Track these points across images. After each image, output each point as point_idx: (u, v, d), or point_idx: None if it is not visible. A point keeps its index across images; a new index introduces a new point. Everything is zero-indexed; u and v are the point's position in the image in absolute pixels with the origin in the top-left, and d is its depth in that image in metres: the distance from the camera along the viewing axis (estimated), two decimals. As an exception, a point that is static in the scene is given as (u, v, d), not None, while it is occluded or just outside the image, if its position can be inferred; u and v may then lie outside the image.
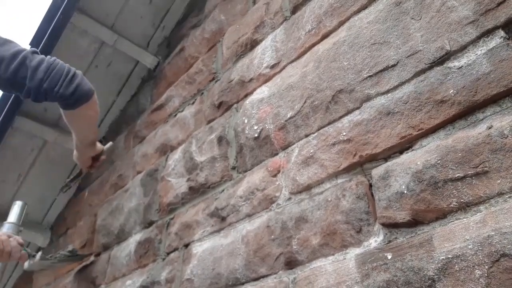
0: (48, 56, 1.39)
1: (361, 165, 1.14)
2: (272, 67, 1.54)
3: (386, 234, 1.03)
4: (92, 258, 2.35)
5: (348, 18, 1.30)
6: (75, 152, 1.73)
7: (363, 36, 1.21)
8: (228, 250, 1.45)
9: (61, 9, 2.05)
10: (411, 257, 0.94)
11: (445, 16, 1.02)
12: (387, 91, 1.11)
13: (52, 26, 2.07)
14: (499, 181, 0.85)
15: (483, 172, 0.87)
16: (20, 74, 1.32)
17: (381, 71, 1.13)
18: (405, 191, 1.00)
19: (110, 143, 1.92)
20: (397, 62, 1.10)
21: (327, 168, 1.21)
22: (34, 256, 1.93)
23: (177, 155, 1.93)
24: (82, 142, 1.65)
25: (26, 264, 1.95)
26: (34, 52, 1.39)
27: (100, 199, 2.51)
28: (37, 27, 2.13)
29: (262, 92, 1.55)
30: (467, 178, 0.89)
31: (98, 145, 1.78)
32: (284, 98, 1.43)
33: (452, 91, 0.97)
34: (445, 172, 0.93)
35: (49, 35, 2.08)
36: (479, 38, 0.95)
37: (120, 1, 2.26)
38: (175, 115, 2.08)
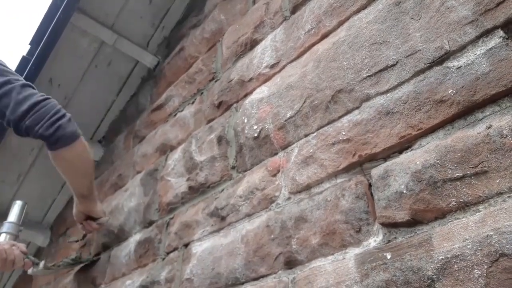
0: (42, 94, 1.35)
1: (361, 164, 1.15)
2: (272, 66, 1.54)
3: (386, 234, 1.03)
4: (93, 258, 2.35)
5: (347, 18, 1.30)
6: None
7: (363, 36, 1.21)
8: (228, 250, 1.45)
9: (61, 9, 2.05)
10: (410, 257, 0.94)
11: (445, 16, 1.02)
12: (387, 91, 1.11)
13: (52, 26, 2.07)
14: (498, 181, 0.85)
15: (482, 172, 0.87)
16: (3, 103, 1.29)
17: (380, 71, 1.14)
18: (405, 191, 1.00)
19: (107, 219, 1.90)
20: (397, 62, 1.10)
21: (326, 167, 1.21)
22: (37, 264, 1.93)
23: (176, 154, 1.93)
24: (74, 191, 1.59)
25: (29, 271, 1.95)
26: (26, 86, 1.35)
27: (100, 199, 2.51)
28: (37, 27, 2.14)
29: (262, 91, 1.55)
30: (466, 178, 0.89)
31: (99, 209, 1.71)
32: (283, 98, 1.43)
33: (451, 91, 0.97)
34: (444, 172, 0.93)
35: (49, 35, 2.08)
36: (478, 38, 0.95)
37: (120, 1, 2.26)
38: (175, 115, 2.08)
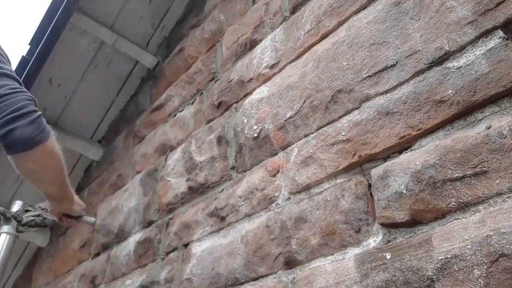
0: (12, 87, 1.12)
1: (360, 165, 1.15)
2: (272, 67, 1.54)
3: (385, 234, 1.03)
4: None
5: (347, 18, 1.30)
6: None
7: (362, 36, 1.21)
8: (228, 250, 1.45)
9: (61, 9, 2.05)
10: (410, 257, 0.94)
11: (444, 16, 1.02)
12: (386, 91, 1.11)
13: (51, 26, 2.07)
14: (498, 181, 0.85)
15: (482, 172, 0.87)
16: None
17: (380, 71, 1.14)
18: (404, 191, 1.00)
19: (93, 220, 1.68)
20: (396, 62, 1.10)
21: (326, 168, 1.21)
22: (8, 219, 1.77)
23: (176, 155, 1.93)
24: (45, 194, 1.38)
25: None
26: (1, 75, 1.14)
27: (99, 199, 2.51)
28: (36, 27, 2.14)
29: (262, 92, 1.55)
30: (466, 178, 0.89)
31: (79, 204, 1.50)
32: (283, 98, 1.43)
33: (451, 91, 0.97)
34: (444, 172, 0.93)
35: (49, 35, 2.08)
36: (478, 38, 0.95)
37: (119, 1, 2.26)
38: (175, 115, 2.08)
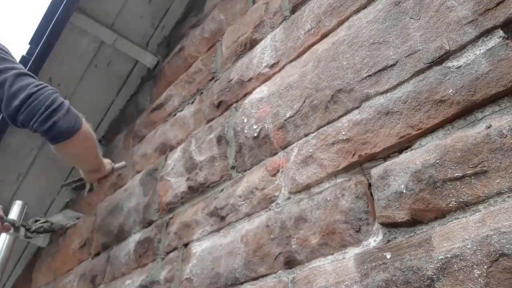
0: (36, 84, 1.24)
1: (360, 164, 1.14)
2: (272, 66, 1.54)
3: (385, 233, 1.03)
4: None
5: (347, 18, 1.30)
6: (81, 173, 1.65)
7: (363, 35, 1.21)
8: (228, 250, 1.45)
9: (61, 8, 2.05)
10: (410, 257, 0.94)
11: (444, 15, 1.02)
12: (386, 91, 1.11)
13: (51, 25, 2.07)
14: (498, 181, 0.85)
15: (482, 171, 0.87)
16: None
17: (380, 70, 1.14)
18: (404, 191, 1.00)
19: (123, 163, 1.82)
20: (396, 62, 1.10)
21: (326, 167, 1.21)
22: (17, 228, 1.83)
23: (176, 154, 1.93)
24: (83, 170, 1.58)
25: (4, 234, 1.83)
26: (21, 75, 1.25)
27: (99, 198, 2.51)
28: (36, 27, 2.13)
29: (262, 91, 1.55)
30: (466, 178, 0.89)
31: (107, 162, 1.68)
32: (283, 98, 1.43)
33: (451, 90, 0.97)
34: (444, 172, 0.93)
35: (48, 34, 2.08)
36: (478, 37, 0.95)
37: (119, 1, 2.26)
38: (175, 115, 2.08)
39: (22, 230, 1.85)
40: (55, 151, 1.33)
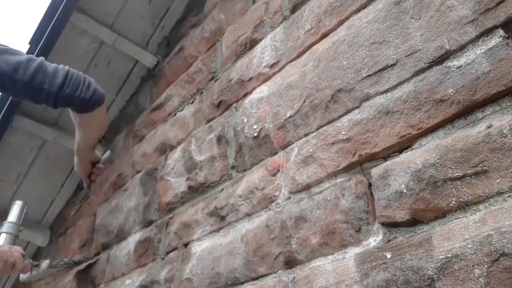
0: (58, 65, 1.41)
1: (361, 164, 1.14)
2: (272, 66, 1.54)
3: (386, 233, 1.03)
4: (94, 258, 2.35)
5: (347, 17, 1.29)
6: (75, 159, 1.71)
7: (363, 35, 1.21)
8: (228, 250, 1.45)
9: (61, 8, 2.05)
10: (411, 257, 0.94)
11: (445, 15, 1.02)
12: (387, 91, 1.11)
13: (51, 25, 2.07)
14: (498, 180, 0.85)
15: (482, 171, 0.87)
16: (38, 79, 1.32)
17: (380, 70, 1.13)
18: (405, 191, 1.00)
19: (108, 152, 1.87)
20: (397, 62, 1.10)
21: (326, 167, 1.21)
22: (37, 265, 1.89)
23: (176, 154, 1.93)
24: (88, 144, 1.65)
25: (25, 276, 1.90)
26: (34, 59, 1.38)
27: (99, 198, 2.51)
28: (36, 26, 2.13)
29: (262, 91, 1.55)
30: (466, 178, 0.89)
31: (96, 152, 1.78)
32: (283, 98, 1.43)
33: (451, 90, 0.97)
34: (445, 172, 0.93)
35: (48, 34, 2.08)
36: (478, 37, 0.95)
37: (119, 1, 2.26)
38: (175, 114, 2.08)
39: (44, 264, 1.90)
40: (85, 120, 1.47)
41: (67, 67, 1.40)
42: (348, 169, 1.17)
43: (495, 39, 0.92)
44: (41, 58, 1.37)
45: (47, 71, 1.34)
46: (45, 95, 1.34)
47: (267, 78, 1.55)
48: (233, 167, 1.58)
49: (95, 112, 1.44)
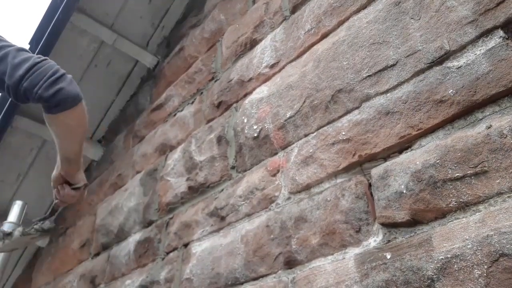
0: (38, 56, 1.25)
1: (361, 164, 1.14)
2: (272, 66, 1.54)
3: (385, 233, 1.03)
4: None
5: (347, 18, 1.30)
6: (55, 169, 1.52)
7: (363, 35, 1.21)
8: (228, 250, 1.45)
9: (61, 8, 2.05)
10: (410, 257, 0.94)
11: (445, 16, 1.02)
12: (387, 91, 1.11)
13: (51, 25, 2.07)
14: (498, 181, 0.85)
15: (482, 172, 0.87)
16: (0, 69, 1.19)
17: (380, 70, 1.14)
18: (404, 191, 1.00)
19: (84, 184, 1.61)
20: (397, 62, 1.10)
21: (326, 167, 1.21)
22: (10, 234, 1.76)
23: (176, 154, 1.93)
24: (60, 154, 1.45)
25: None
26: (21, 50, 1.25)
27: (99, 199, 2.51)
28: (36, 27, 2.13)
29: (262, 91, 1.55)
30: (466, 178, 0.89)
31: (80, 176, 1.54)
32: (283, 98, 1.43)
33: (451, 91, 0.97)
34: (444, 172, 0.93)
35: (49, 34, 2.08)
36: (478, 38, 0.95)
37: (119, 1, 2.26)
38: (175, 115, 2.08)
39: (16, 233, 1.79)
40: (50, 122, 1.28)
41: (42, 59, 1.22)
42: (348, 169, 1.17)
43: (495, 40, 0.92)
44: (13, 48, 1.23)
45: (11, 62, 1.19)
46: (6, 88, 1.21)
47: (267, 79, 1.55)
48: (233, 167, 1.59)
49: (60, 116, 1.23)
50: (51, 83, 1.18)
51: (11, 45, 1.27)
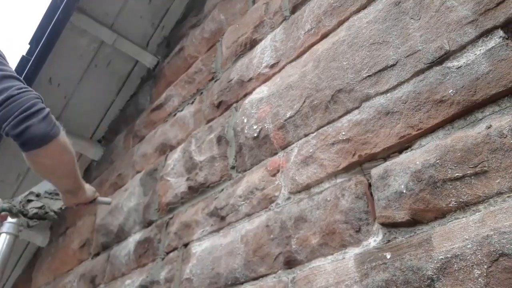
0: (19, 87, 1.17)
1: (360, 164, 1.15)
2: (272, 66, 1.54)
3: (385, 233, 1.03)
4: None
5: (347, 18, 1.30)
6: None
7: (363, 35, 1.21)
8: (228, 250, 1.45)
9: (61, 8, 2.05)
10: (410, 257, 0.94)
11: (444, 16, 1.02)
12: (386, 91, 1.11)
13: (51, 25, 2.07)
14: (498, 181, 0.85)
15: (482, 171, 0.87)
16: None
17: (380, 70, 1.14)
18: (404, 191, 1.00)
19: (108, 200, 1.69)
20: (396, 62, 1.10)
21: (326, 167, 1.21)
22: (15, 214, 1.74)
23: (176, 154, 1.93)
24: (57, 188, 1.43)
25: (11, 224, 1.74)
26: (7, 77, 1.18)
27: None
28: (36, 27, 2.13)
29: (262, 91, 1.55)
30: (466, 178, 0.89)
31: (90, 190, 1.55)
32: (283, 98, 1.43)
33: (451, 91, 0.97)
34: (444, 172, 0.93)
35: (49, 34, 2.08)
36: (478, 38, 0.95)
37: (119, 1, 2.26)
38: (175, 115, 2.08)
39: (22, 218, 1.77)
40: (27, 162, 1.22)
41: (21, 91, 1.15)
42: (348, 169, 1.17)
43: (495, 40, 0.92)
44: (1, 74, 1.17)
45: None
46: None
47: (267, 79, 1.55)
48: (233, 167, 1.59)
49: (32, 155, 1.17)
50: (20, 120, 1.11)
51: (0, 70, 1.20)
